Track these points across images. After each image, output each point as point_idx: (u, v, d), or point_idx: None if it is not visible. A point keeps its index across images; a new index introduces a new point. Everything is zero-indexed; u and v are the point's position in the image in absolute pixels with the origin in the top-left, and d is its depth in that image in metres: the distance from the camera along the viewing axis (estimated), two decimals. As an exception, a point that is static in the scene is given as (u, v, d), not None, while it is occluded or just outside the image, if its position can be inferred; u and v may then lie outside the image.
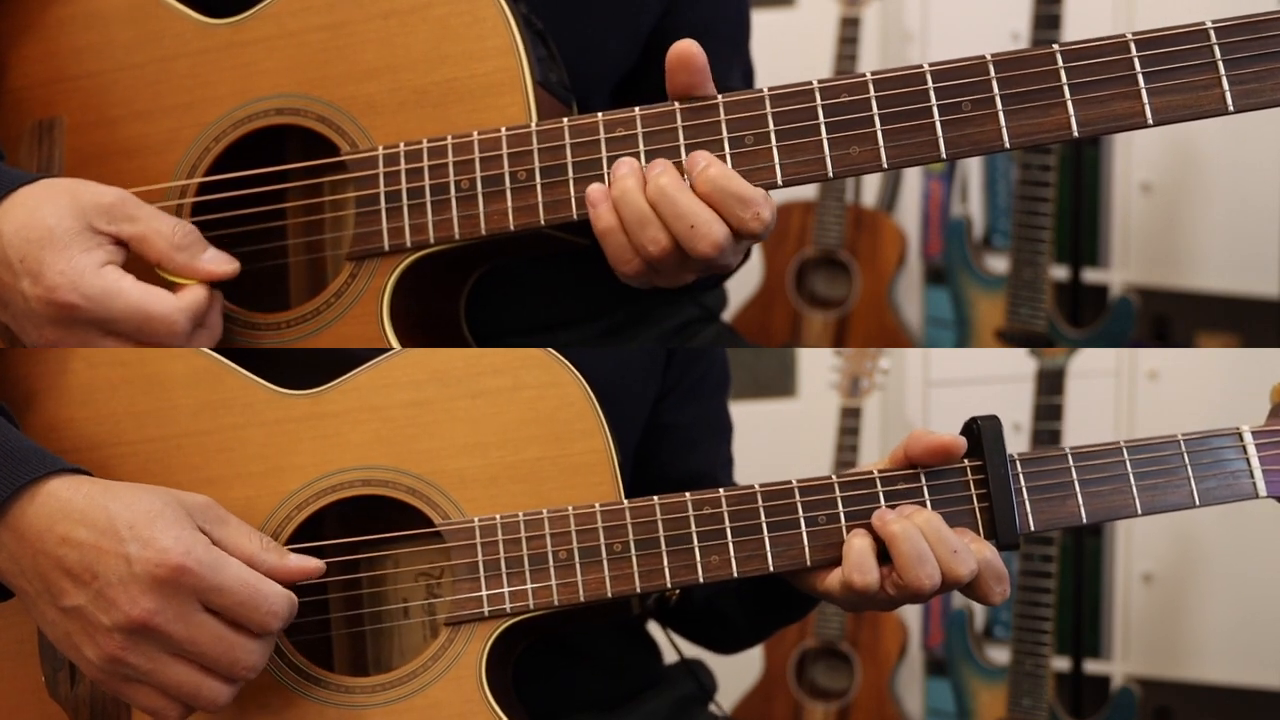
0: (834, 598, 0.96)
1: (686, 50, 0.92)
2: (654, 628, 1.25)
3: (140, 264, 0.92)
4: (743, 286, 2.80)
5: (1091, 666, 2.58)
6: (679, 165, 0.92)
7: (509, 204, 0.94)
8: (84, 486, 0.87)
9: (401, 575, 1.00)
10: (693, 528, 0.95)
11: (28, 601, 0.89)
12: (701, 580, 0.94)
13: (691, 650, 1.25)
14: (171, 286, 0.92)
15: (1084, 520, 0.95)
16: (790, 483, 0.96)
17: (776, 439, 2.53)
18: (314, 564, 0.92)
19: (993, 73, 0.90)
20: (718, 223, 0.90)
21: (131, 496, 0.87)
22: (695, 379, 1.23)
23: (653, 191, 0.90)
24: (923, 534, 0.92)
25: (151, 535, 0.85)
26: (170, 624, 0.85)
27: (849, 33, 2.71)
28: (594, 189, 0.92)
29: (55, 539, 0.86)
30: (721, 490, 0.95)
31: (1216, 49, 0.89)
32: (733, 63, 1.24)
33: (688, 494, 0.95)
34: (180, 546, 0.85)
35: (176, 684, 0.87)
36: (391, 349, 0.96)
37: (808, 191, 2.78)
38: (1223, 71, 0.89)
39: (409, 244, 0.95)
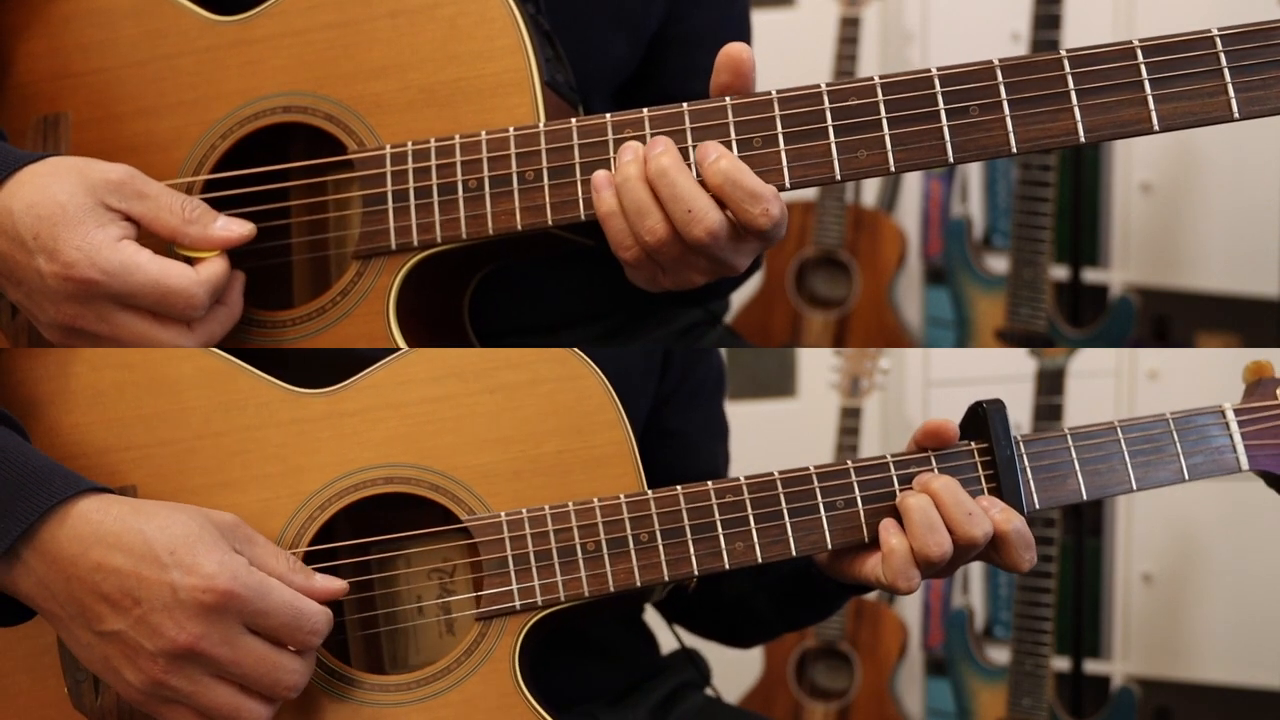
0: (870, 584, 0.99)
1: (738, 53, 0.92)
2: (650, 619, 1.26)
3: (155, 242, 0.91)
4: (743, 286, 2.80)
5: (1091, 666, 2.58)
6: (685, 156, 0.92)
7: (516, 204, 0.94)
8: (113, 507, 0.86)
9: (415, 573, 1.00)
10: (716, 516, 0.96)
11: (58, 625, 0.88)
12: (727, 567, 0.95)
13: (690, 641, 1.25)
14: (190, 264, 0.91)
15: (1084, 497, 0.99)
16: (808, 469, 0.97)
17: (776, 439, 2.53)
18: (339, 584, 0.92)
19: (1000, 78, 0.90)
20: (715, 209, 0.90)
21: (165, 518, 0.86)
22: (695, 384, 1.24)
23: (653, 171, 0.90)
24: (939, 498, 0.94)
25: (194, 561, 0.84)
26: (216, 647, 0.85)
27: (849, 33, 2.71)
28: (599, 174, 0.92)
29: (90, 565, 0.85)
30: (742, 478, 0.97)
31: (1223, 56, 0.89)
32: None
33: (710, 483, 0.96)
34: (226, 571, 0.85)
35: (217, 706, 0.86)
36: (398, 348, 0.96)
37: (808, 191, 2.78)
38: (1229, 79, 0.89)
39: (416, 243, 0.95)
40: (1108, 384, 2.58)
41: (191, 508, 0.88)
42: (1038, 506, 0.98)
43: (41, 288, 0.88)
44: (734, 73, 0.92)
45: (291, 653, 0.88)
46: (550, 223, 0.94)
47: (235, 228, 0.93)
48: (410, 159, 0.95)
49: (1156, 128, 0.90)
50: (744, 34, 1.26)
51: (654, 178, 0.90)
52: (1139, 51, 0.90)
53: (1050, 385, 2.27)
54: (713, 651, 1.29)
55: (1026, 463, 0.98)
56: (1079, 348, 2.38)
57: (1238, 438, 1.02)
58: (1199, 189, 2.62)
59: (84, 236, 0.87)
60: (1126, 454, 1.00)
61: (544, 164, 0.94)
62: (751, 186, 0.90)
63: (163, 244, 0.92)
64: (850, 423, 2.52)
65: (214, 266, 0.92)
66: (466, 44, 0.96)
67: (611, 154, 0.93)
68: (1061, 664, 2.48)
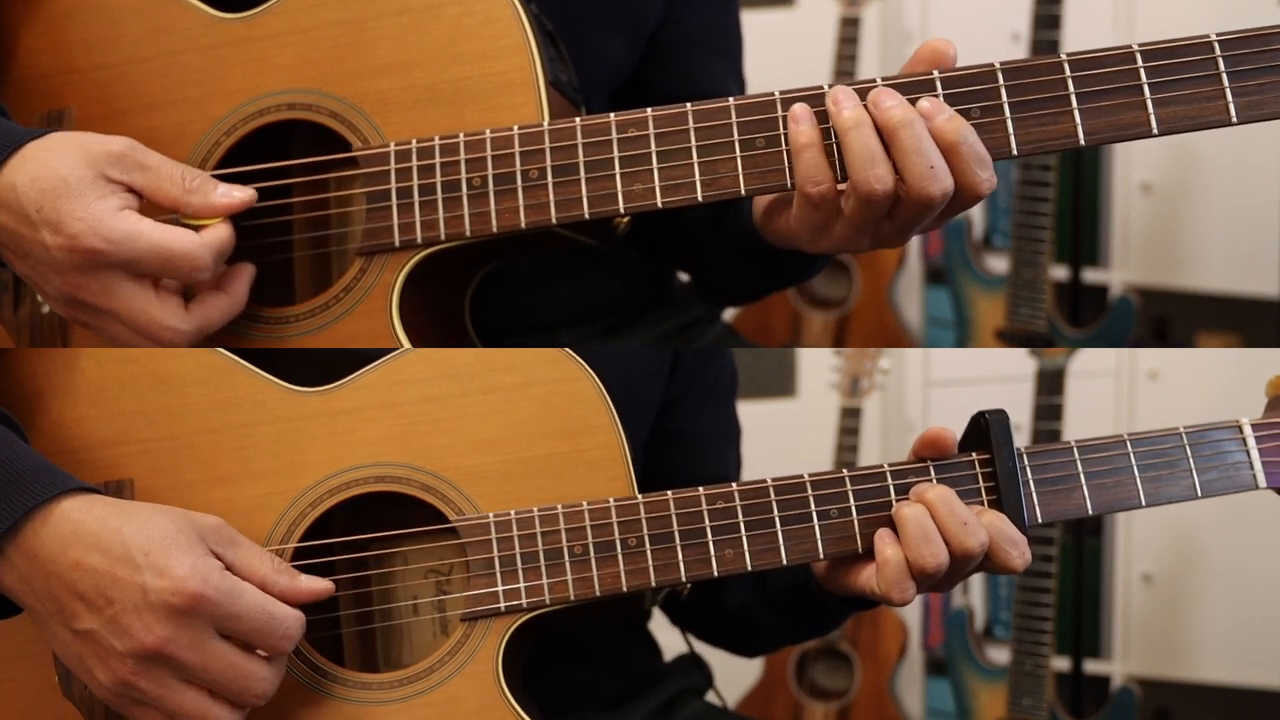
0: (867, 596, 0.98)
1: (946, 49, 0.91)
2: (654, 625, 1.26)
3: (157, 213, 0.92)
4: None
5: (1091, 666, 2.58)
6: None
7: (520, 202, 0.94)
8: (96, 507, 0.87)
9: (410, 572, 1.00)
10: (706, 522, 0.95)
11: (39, 620, 0.88)
12: (716, 574, 0.95)
13: (696, 646, 1.25)
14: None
15: (1089, 511, 0.97)
16: (802, 476, 0.96)
17: (776, 439, 2.53)
18: (324, 585, 0.93)
19: (1001, 80, 0.91)
20: (948, 171, 0.89)
21: (144, 519, 0.86)
22: (705, 386, 1.23)
23: (896, 120, 0.88)
24: (934, 508, 0.93)
25: (166, 563, 0.85)
26: (184, 651, 0.85)
27: (849, 33, 2.71)
28: (799, 107, 0.91)
29: (68, 563, 0.85)
30: (734, 484, 0.96)
31: (1221, 61, 0.90)
32: (728, 71, 1.25)
33: (701, 488, 0.96)
34: (196, 575, 0.85)
35: (184, 711, 0.87)
36: (400, 346, 0.97)
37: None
38: (1227, 84, 0.89)
39: (419, 240, 0.96)
40: (1108, 384, 2.58)
41: (175, 510, 0.89)
42: (1040, 520, 0.96)
43: (47, 260, 0.89)
44: (936, 66, 0.91)
45: (261, 659, 0.88)
46: (554, 221, 0.94)
47: (237, 193, 0.94)
48: (415, 156, 0.95)
49: (1155, 131, 0.90)
50: (737, 38, 1.28)
51: (896, 127, 0.88)
52: (1138, 56, 0.90)
53: (1050, 385, 2.28)
54: (713, 651, 1.29)
55: (1030, 475, 0.97)
56: (1079, 348, 2.38)
57: (1255, 454, 0.99)
58: (1199, 189, 2.62)
59: (85, 208, 0.87)
60: (1136, 468, 0.97)
61: (548, 163, 0.94)
62: (981, 150, 0.89)
63: (166, 216, 0.92)
64: (850, 423, 2.52)
65: (217, 231, 0.92)
66: (471, 43, 0.96)
67: (616, 153, 0.93)
68: (1061, 664, 2.48)
